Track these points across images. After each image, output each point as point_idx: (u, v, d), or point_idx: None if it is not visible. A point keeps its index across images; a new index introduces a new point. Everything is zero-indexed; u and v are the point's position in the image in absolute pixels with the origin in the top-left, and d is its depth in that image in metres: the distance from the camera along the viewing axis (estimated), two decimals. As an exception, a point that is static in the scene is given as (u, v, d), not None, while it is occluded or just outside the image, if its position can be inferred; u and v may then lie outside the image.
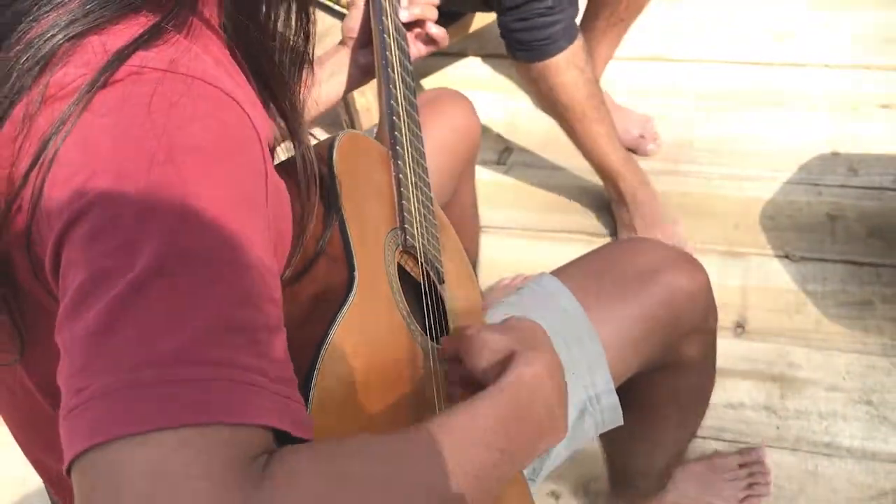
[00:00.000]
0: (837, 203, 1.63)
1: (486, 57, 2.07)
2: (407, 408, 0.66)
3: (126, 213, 0.46)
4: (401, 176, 0.79)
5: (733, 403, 1.37)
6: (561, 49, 1.41)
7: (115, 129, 0.48)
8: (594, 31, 1.69)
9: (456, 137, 1.14)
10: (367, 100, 1.70)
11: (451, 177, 1.15)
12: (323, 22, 1.60)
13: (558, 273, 0.95)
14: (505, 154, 1.83)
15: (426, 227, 0.80)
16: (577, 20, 1.44)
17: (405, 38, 0.96)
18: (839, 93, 1.84)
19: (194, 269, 0.45)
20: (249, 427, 0.44)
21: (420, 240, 0.78)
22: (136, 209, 0.46)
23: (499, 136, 1.87)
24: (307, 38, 0.64)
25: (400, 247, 0.76)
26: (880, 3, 2.01)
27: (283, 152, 0.70)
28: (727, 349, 1.28)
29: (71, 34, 0.51)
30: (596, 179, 1.63)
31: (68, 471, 0.43)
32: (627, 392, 0.91)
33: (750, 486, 1.25)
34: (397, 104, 0.86)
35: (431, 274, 0.79)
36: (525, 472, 0.80)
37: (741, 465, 1.26)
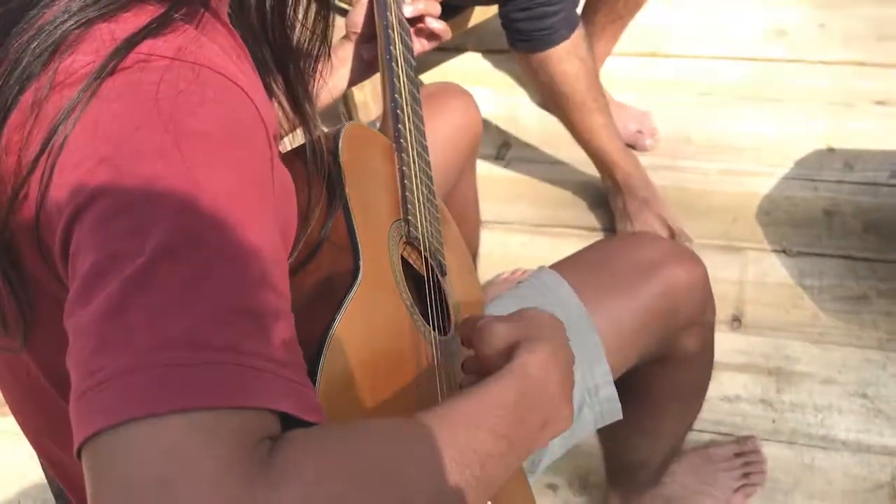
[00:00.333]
0: (833, 198, 1.64)
1: (486, 52, 2.07)
2: (410, 396, 0.66)
3: (135, 198, 0.46)
4: (404, 168, 0.79)
5: (730, 396, 1.37)
6: (562, 38, 1.41)
7: (123, 116, 0.48)
8: (593, 27, 1.69)
9: (457, 132, 1.14)
10: (364, 95, 1.70)
11: (452, 171, 1.15)
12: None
13: (557, 267, 0.95)
14: (504, 149, 1.84)
15: (429, 219, 0.81)
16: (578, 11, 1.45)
17: (409, 33, 0.97)
18: (835, 89, 1.84)
19: (204, 253, 0.46)
20: (260, 411, 0.44)
21: (424, 231, 0.79)
22: (144, 194, 0.46)
23: (498, 131, 1.87)
24: (325, 29, 0.64)
25: (403, 238, 0.76)
26: (876, 0, 2.02)
27: (288, 143, 0.70)
28: (724, 343, 1.28)
29: (81, 21, 0.51)
30: (595, 174, 1.64)
31: (79, 452, 0.43)
32: (625, 385, 0.92)
33: (746, 475, 1.25)
34: (401, 98, 0.86)
35: (434, 266, 0.79)
36: (524, 464, 0.81)
37: (736, 455, 1.27)
